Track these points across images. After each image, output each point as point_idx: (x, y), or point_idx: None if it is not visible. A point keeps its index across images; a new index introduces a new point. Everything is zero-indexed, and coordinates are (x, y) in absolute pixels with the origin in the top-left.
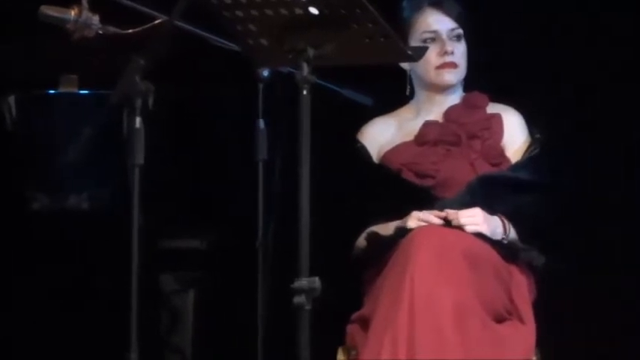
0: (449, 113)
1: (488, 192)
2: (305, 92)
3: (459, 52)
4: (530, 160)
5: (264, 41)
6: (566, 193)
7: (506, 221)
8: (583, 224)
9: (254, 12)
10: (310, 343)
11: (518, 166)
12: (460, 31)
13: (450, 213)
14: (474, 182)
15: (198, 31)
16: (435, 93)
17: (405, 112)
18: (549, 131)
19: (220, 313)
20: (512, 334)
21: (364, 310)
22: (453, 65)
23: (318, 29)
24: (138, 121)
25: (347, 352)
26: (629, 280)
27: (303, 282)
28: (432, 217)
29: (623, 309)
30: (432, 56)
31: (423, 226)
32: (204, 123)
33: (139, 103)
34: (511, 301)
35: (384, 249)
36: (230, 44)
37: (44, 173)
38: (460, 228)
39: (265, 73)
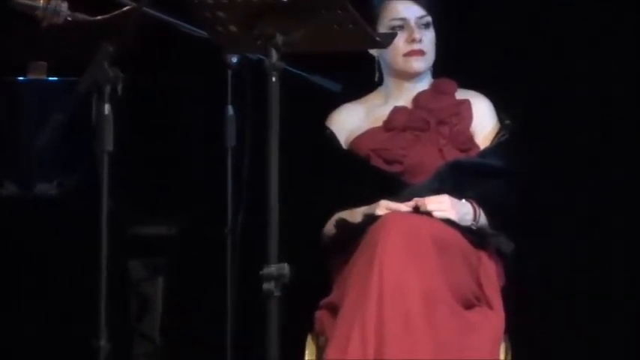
0: (418, 99)
1: (457, 178)
2: (274, 79)
3: (427, 39)
4: (499, 145)
5: (233, 28)
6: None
7: (476, 206)
8: (549, 210)
9: None
10: (279, 330)
11: (487, 152)
12: (429, 18)
13: (418, 201)
14: (442, 168)
15: (166, 17)
16: (404, 80)
17: (373, 99)
18: (518, 117)
19: (189, 300)
20: (481, 321)
21: (333, 297)
22: (420, 53)
23: (286, 16)
24: (106, 107)
25: (316, 339)
26: (597, 267)
27: (271, 268)
28: (400, 206)
29: (591, 295)
30: (400, 43)
31: (392, 212)
32: (173, 109)
33: (107, 89)
34: (480, 287)
35: (353, 236)
36: (199, 31)
37: (12, 160)
38: (428, 214)
39: (234, 59)
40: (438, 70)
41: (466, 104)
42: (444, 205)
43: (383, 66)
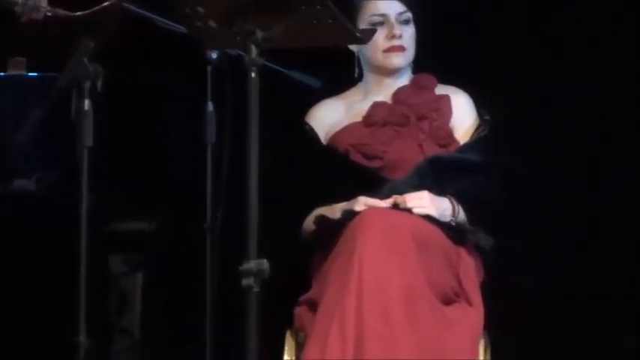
0: (397, 94)
1: (436, 173)
2: (253, 74)
3: (407, 35)
4: (478, 141)
5: (212, 23)
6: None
7: (455, 202)
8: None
9: None
10: (258, 325)
11: (467, 147)
12: (409, 14)
13: (397, 198)
14: (422, 164)
15: (146, 13)
16: (383, 76)
17: (353, 94)
18: (498, 112)
19: (169, 296)
20: (460, 317)
21: (312, 293)
22: (400, 49)
23: (266, 11)
24: (86, 103)
25: (295, 335)
26: (576, 262)
27: (251, 264)
28: (378, 202)
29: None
30: (380, 39)
31: (371, 208)
32: (152, 105)
33: (87, 85)
34: (459, 283)
35: (332, 232)
36: (178, 26)
37: None
38: (408, 211)
39: (214, 55)
40: (428, 65)
41: (446, 99)
42: (423, 202)
43: (363, 62)
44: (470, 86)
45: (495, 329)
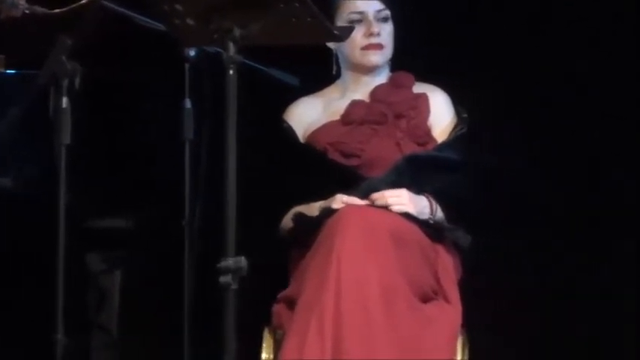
0: (375, 93)
1: (414, 171)
2: (231, 72)
3: (385, 32)
4: (456, 139)
5: (190, 21)
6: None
7: (433, 201)
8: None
9: None
10: (236, 323)
11: (445, 145)
12: (387, 12)
13: (375, 195)
14: (400, 162)
15: (125, 11)
16: (361, 73)
17: (331, 92)
18: (476, 110)
19: (147, 293)
20: (438, 314)
21: (290, 290)
22: (378, 47)
23: (244, 9)
24: (64, 100)
25: (273, 332)
26: (555, 260)
27: (229, 261)
28: (356, 199)
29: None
30: (358, 37)
31: (349, 205)
32: (131, 103)
33: (65, 83)
34: (437, 280)
35: (310, 229)
36: (157, 24)
37: None
38: (386, 208)
39: (192, 52)
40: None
41: (423, 98)
42: (402, 199)
43: (341, 59)
44: (448, 84)
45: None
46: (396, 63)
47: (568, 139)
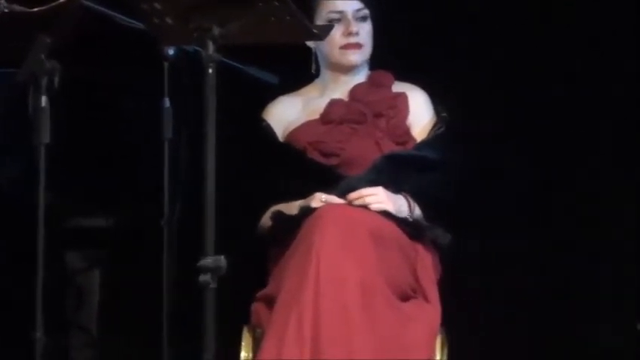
0: (354, 92)
1: (393, 170)
2: (210, 71)
3: (364, 32)
4: (435, 138)
5: (169, 20)
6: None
7: (410, 200)
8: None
9: None
10: (215, 321)
11: (424, 144)
12: (366, 11)
13: (353, 196)
14: (379, 161)
15: (103, 9)
16: (340, 73)
17: (310, 91)
18: (455, 110)
19: (126, 292)
20: (417, 313)
21: (269, 289)
22: (357, 46)
23: (223, 8)
24: (44, 99)
25: (252, 331)
26: (533, 260)
27: (208, 260)
28: (335, 198)
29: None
30: (337, 36)
31: (329, 204)
32: (110, 101)
33: (44, 82)
34: (416, 279)
35: (289, 228)
36: (136, 23)
37: None
38: (365, 207)
39: (171, 51)
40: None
41: (403, 97)
42: (380, 197)
43: (320, 58)
44: (427, 83)
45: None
46: (376, 62)
47: (550, 137)
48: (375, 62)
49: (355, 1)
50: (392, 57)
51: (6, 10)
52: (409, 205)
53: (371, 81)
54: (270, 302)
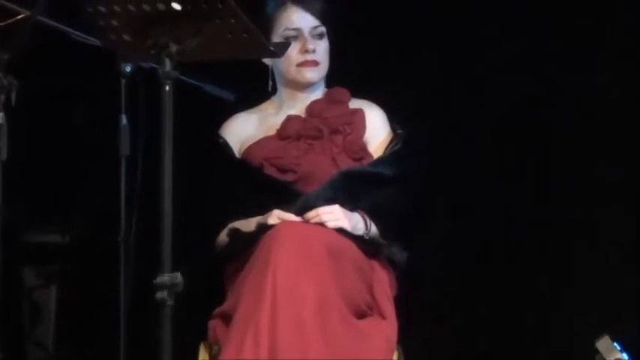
0: (311, 108)
1: (350, 187)
2: (167, 88)
3: (320, 49)
4: (391, 155)
5: (126, 36)
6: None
7: (367, 217)
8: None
9: (116, 7)
10: (172, 339)
11: (380, 161)
12: (322, 28)
13: (310, 215)
14: (336, 177)
15: (61, 26)
16: (297, 90)
17: (267, 108)
18: (412, 125)
19: (83, 308)
20: (374, 330)
21: (226, 305)
22: (314, 63)
23: (180, 24)
24: (1, 116)
25: (209, 348)
26: (489, 274)
27: (165, 277)
28: (292, 216)
29: (484, 303)
30: (294, 53)
31: (285, 221)
32: (67, 117)
33: (2, 98)
34: (372, 296)
35: (246, 245)
36: (93, 39)
37: None
38: (322, 224)
39: (128, 68)
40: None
41: (359, 113)
42: (336, 215)
43: (277, 75)
44: (384, 100)
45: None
46: (332, 78)
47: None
48: (332, 79)
49: (312, 19)
50: (348, 74)
51: None
52: (365, 223)
53: (328, 97)
54: (227, 319)
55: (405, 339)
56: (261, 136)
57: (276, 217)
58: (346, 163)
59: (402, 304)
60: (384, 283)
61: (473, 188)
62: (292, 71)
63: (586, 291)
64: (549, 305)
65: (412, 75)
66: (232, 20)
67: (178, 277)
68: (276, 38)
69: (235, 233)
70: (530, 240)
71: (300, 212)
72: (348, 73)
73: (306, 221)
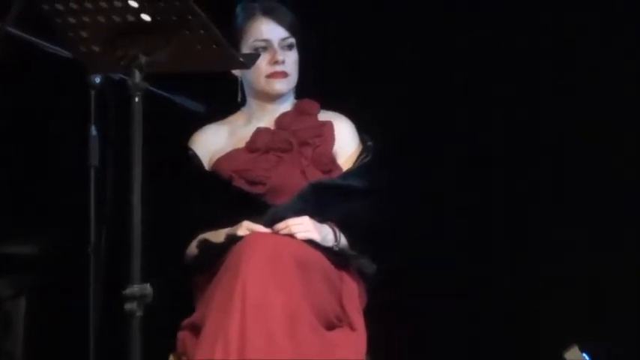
0: (280, 120)
1: (319, 199)
2: (137, 99)
3: (290, 60)
4: (361, 167)
5: (96, 48)
6: (397, 198)
7: (336, 229)
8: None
9: (86, 19)
10: (142, 350)
11: (350, 173)
12: (292, 40)
13: (279, 227)
14: (305, 189)
15: (29, 37)
16: (266, 101)
17: (236, 119)
18: (382, 135)
19: (52, 319)
20: (343, 341)
21: (195, 317)
22: (283, 74)
23: (150, 36)
24: None
25: (178, 359)
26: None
27: (134, 288)
28: (262, 227)
29: (454, 314)
30: (263, 65)
31: (255, 232)
32: (36, 129)
33: None
34: (342, 307)
35: (215, 256)
36: (62, 51)
37: None
38: (291, 236)
39: (97, 79)
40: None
41: (328, 126)
42: (305, 226)
43: (246, 87)
44: (353, 112)
45: None
46: (302, 90)
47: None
48: (301, 91)
49: (281, 30)
50: (318, 85)
51: None
52: (335, 235)
53: (297, 109)
54: (196, 330)
55: (374, 350)
56: (230, 148)
57: (245, 228)
58: (315, 176)
59: (372, 314)
60: (353, 295)
61: (448, 196)
62: (262, 82)
63: (553, 301)
64: (516, 315)
65: (381, 86)
66: (202, 32)
67: (148, 288)
68: (246, 49)
69: (205, 244)
70: (505, 248)
71: (269, 224)
72: (318, 84)
73: (276, 232)
